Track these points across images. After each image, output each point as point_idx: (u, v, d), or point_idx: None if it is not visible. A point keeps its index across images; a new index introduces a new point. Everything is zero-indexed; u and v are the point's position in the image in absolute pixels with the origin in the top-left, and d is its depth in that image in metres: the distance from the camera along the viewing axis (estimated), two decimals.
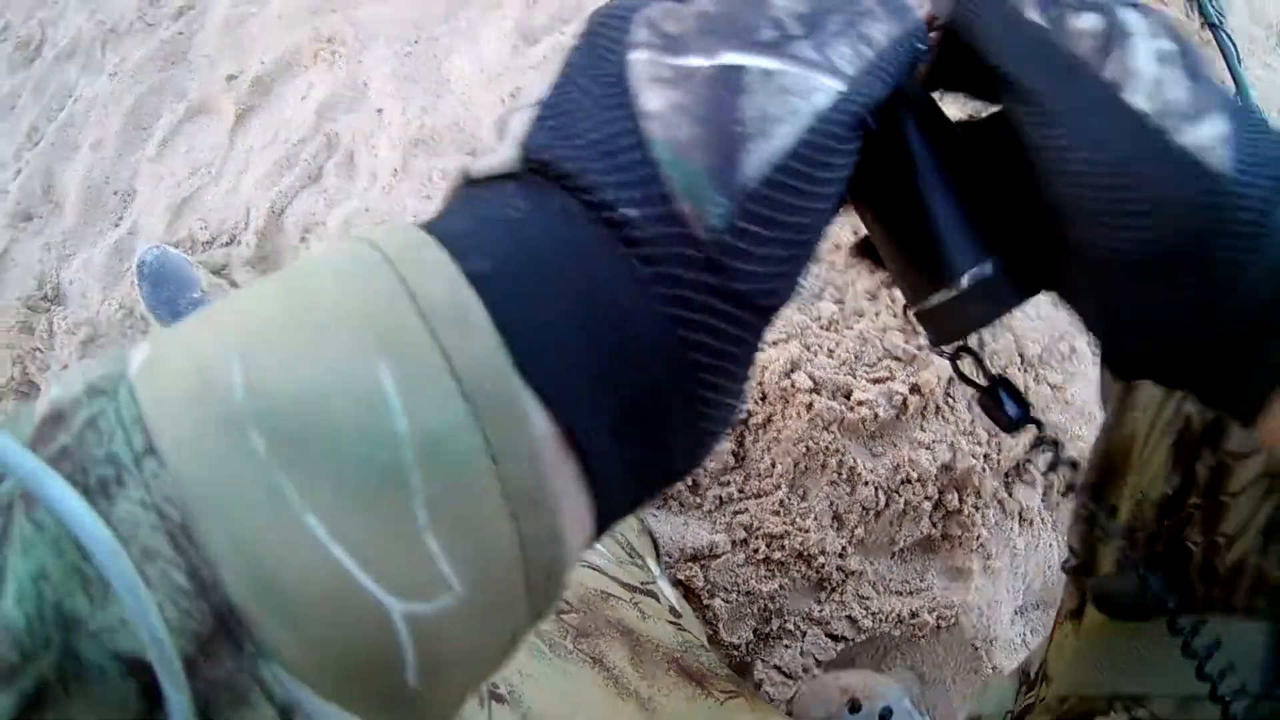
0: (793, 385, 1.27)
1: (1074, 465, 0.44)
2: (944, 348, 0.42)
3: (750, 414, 1.30)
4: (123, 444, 0.21)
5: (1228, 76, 1.87)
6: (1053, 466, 0.44)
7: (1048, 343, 1.37)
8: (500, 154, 0.28)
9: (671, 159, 0.27)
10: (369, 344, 0.23)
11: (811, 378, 1.28)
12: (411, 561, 0.22)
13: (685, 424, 0.28)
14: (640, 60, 0.29)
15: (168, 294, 1.57)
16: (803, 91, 0.28)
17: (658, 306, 0.27)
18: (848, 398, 1.29)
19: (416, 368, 0.23)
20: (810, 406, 1.27)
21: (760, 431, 1.31)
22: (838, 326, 1.37)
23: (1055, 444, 0.44)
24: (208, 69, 2.04)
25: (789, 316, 1.36)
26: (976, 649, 1.27)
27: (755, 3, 0.31)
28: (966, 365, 0.44)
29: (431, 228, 0.26)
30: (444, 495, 0.23)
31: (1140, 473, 0.57)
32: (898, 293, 0.72)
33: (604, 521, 0.28)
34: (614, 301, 0.26)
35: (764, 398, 1.31)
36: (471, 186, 0.29)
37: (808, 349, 1.33)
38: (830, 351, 1.33)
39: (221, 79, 1.98)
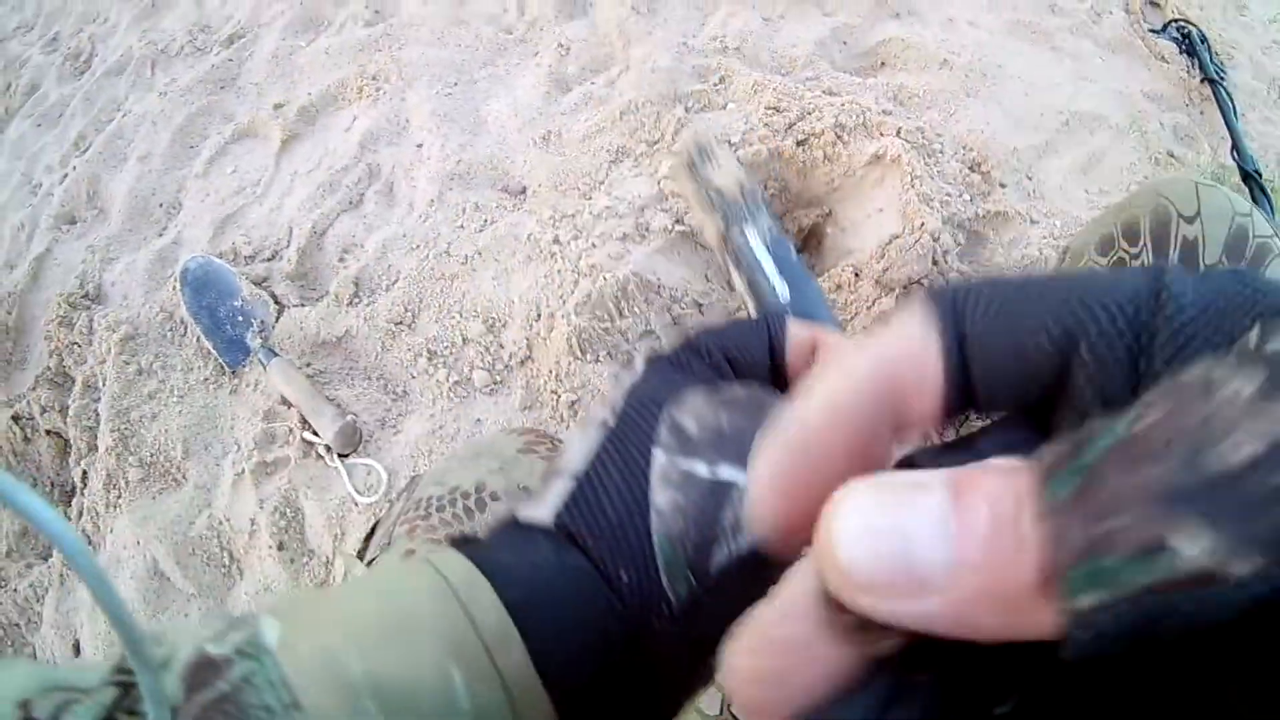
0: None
1: None
2: None
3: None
4: (274, 698, 0.34)
5: (1224, 130, 1.95)
6: None
7: None
8: (540, 511, 0.43)
9: (664, 544, 0.41)
10: (445, 651, 0.39)
11: None
12: None
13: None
14: (661, 461, 0.42)
15: (209, 301, 1.67)
16: None
17: (636, 642, 0.41)
18: None
19: (476, 671, 0.38)
20: None
21: None
22: None
23: None
24: (255, 95, 2.18)
25: None
26: None
27: (757, 424, 0.42)
28: None
29: (482, 560, 0.42)
30: None
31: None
32: None
33: None
34: (605, 634, 0.41)
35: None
36: (516, 528, 0.44)
37: None
38: None
39: (269, 106, 2.10)
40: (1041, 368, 0.20)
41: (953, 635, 0.17)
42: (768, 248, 0.52)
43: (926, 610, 0.17)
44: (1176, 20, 2.28)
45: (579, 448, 0.45)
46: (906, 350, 0.22)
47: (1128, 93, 2.00)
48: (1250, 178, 1.76)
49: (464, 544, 0.43)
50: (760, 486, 0.21)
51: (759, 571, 0.37)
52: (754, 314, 0.47)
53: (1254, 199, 1.73)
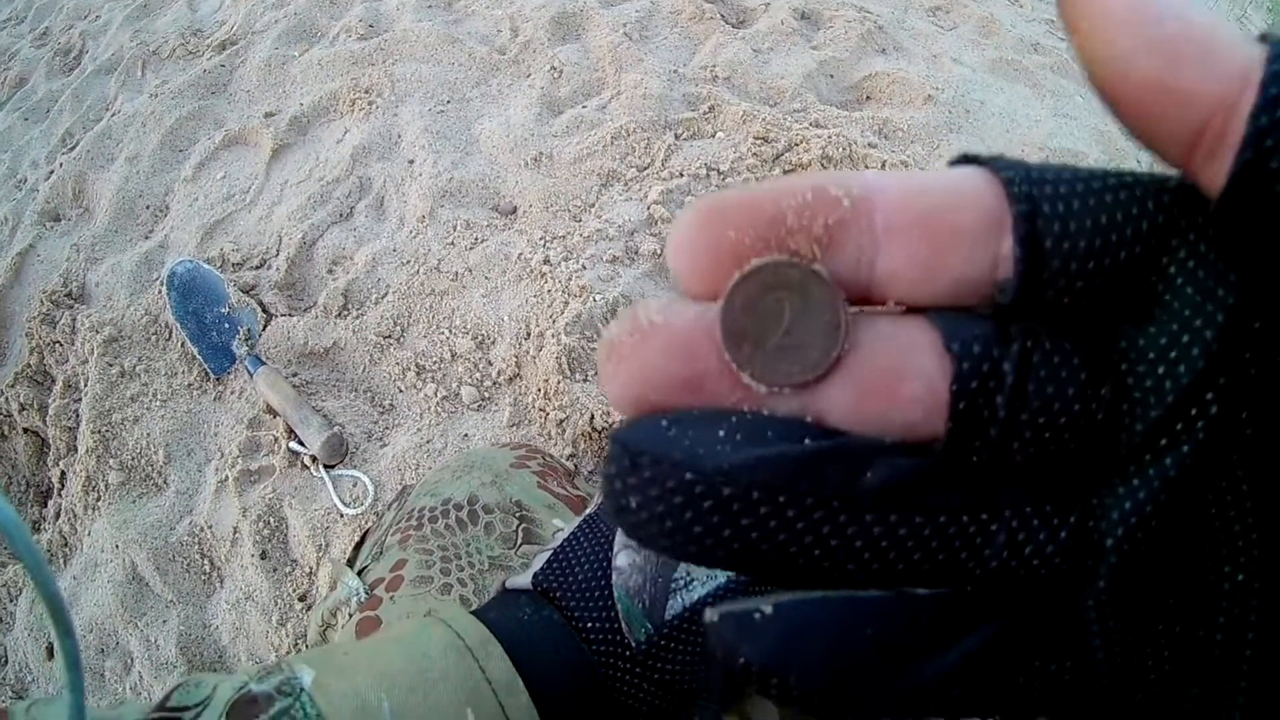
0: None
1: None
2: None
3: None
4: None
5: None
6: None
7: None
8: (523, 578, 0.53)
9: (623, 597, 0.49)
10: (462, 699, 0.46)
11: None
12: None
13: None
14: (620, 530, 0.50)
15: (195, 306, 1.68)
16: None
17: (601, 678, 0.50)
18: None
19: (487, 713, 0.46)
20: None
21: None
22: None
23: None
24: (247, 103, 2.19)
25: None
26: None
27: None
28: None
29: (489, 621, 0.51)
30: None
31: None
32: None
33: None
34: (578, 675, 0.50)
35: None
36: (506, 593, 0.54)
37: None
38: None
39: (260, 114, 2.12)
40: (1131, 258, 0.20)
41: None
42: None
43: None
44: None
45: (562, 533, 0.54)
46: (967, 198, 0.21)
47: (1107, 131, 2.05)
48: None
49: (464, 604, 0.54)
50: (701, 212, 0.20)
51: None
52: None
53: None
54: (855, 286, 0.20)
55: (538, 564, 0.52)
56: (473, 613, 0.51)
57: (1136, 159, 2.01)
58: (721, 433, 0.19)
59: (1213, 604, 0.19)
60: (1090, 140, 2.01)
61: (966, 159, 0.22)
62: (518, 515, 0.79)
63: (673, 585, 0.47)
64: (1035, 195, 0.20)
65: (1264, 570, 0.18)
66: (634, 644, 0.48)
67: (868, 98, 2.05)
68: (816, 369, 0.20)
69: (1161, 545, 0.19)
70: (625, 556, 0.48)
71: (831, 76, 2.05)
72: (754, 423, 0.19)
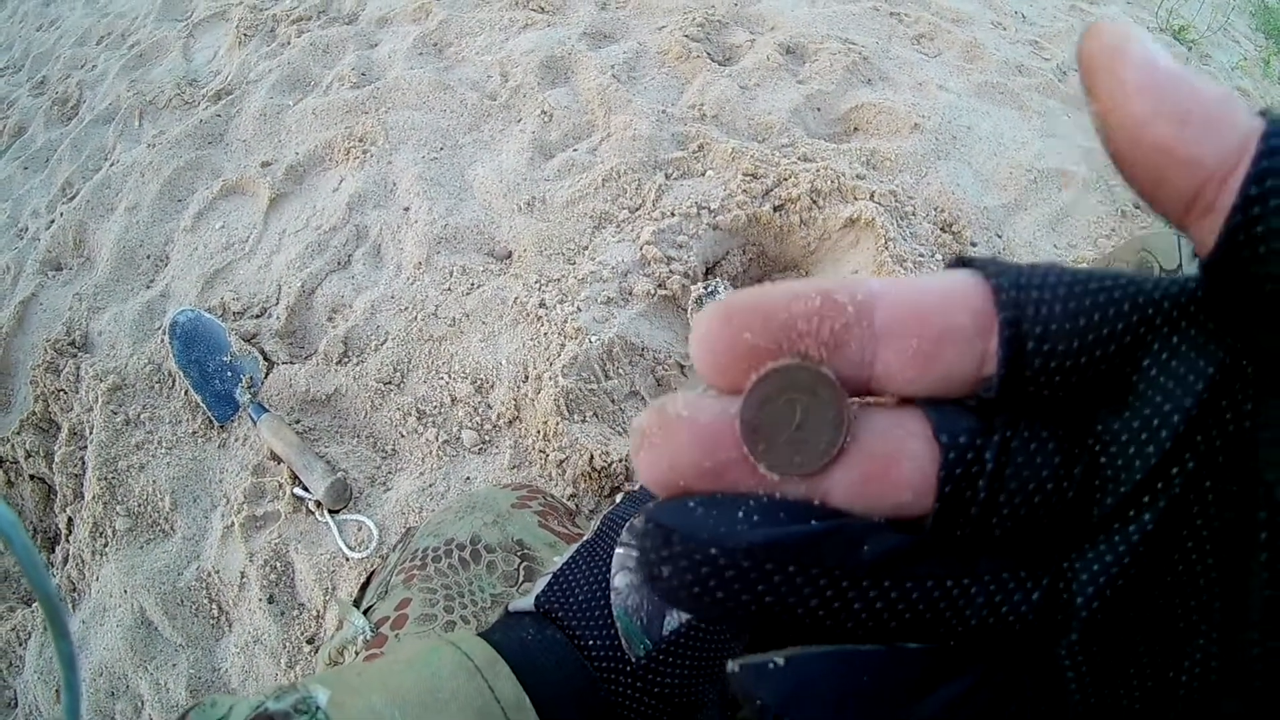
0: None
1: None
2: None
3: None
4: None
5: None
6: None
7: None
8: (525, 600, 0.56)
9: (621, 615, 0.52)
10: (471, 717, 0.49)
11: None
12: None
13: None
14: (620, 553, 0.52)
15: (198, 355, 1.74)
16: None
17: (603, 693, 0.53)
18: None
19: None
20: None
21: None
22: None
23: None
24: (243, 152, 2.25)
25: None
26: None
27: None
28: None
29: (494, 642, 0.54)
30: None
31: None
32: None
33: None
34: (582, 691, 0.53)
35: None
36: (509, 615, 0.57)
37: None
38: None
39: (257, 164, 2.18)
40: (1105, 356, 0.22)
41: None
42: None
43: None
44: None
45: (562, 557, 0.58)
46: (957, 302, 0.23)
47: (1093, 148, 2.10)
48: None
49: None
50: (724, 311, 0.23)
51: (703, 633, 0.49)
52: None
53: None
54: (857, 382, 0.23)
55: (539, 586, 0.56)
56: (479, 635, 0.54)
57: None
58: (740, 514, 0.23)
59: (1180, 648, 0.22)
60: (1078, 159, 2.06)
61: (961, 262, 0.24)
62: (519, 554, 0.82)
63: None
64: (1021, 300, 0.23)
65: (1227, 616, 0.21)
66: (634, 660, 0.51)
67: (855, 129, 2.10)
68: (822, 459, 0.23)
69: (1128, 601, 0.22)
70: (623, 578, 0.51)
71: (818, 109, 2.10)
72: (768, 505, 0.23)
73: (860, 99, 2.12)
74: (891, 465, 0.23)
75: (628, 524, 0.54)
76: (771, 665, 0.23)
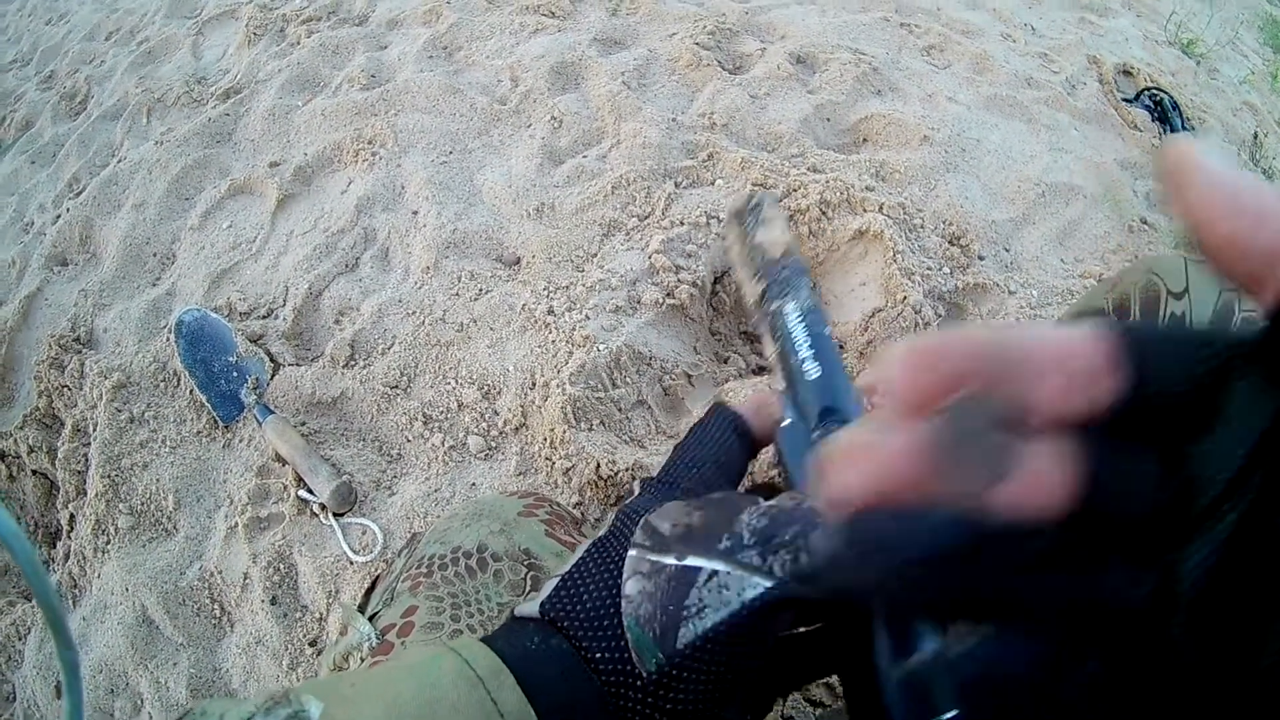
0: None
1: None
2: None
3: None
4: None
5: None
6: None
7: None
8: (531, 605, 0.54)
9: (632, 626, 0.50)
10: None
11: None
12: None
13: None
14: (632, 556, 0.51)
15: (203, 354, 1.75)
16: (737, 588, 0.45)
17: (612, 709, 0.51)
18: None
19: None
20: None
21: None
22: None
23: None
24: (251, 152, 2.27)
25: None
26: None
27: (728, 519, 0.48)
28: None
29: (498, 650, 0.52)
30: None
31: None
32: None
33: None
34: (588, 705, 0.50)
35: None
36: (515, 621, 0.55)
37: None
38: None
39: (265, 164, 2.19)
40: (1197, 389, 0.27)
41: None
42: (803, 321, 0.60)
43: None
44: (1149, 89, 2.42)
45: (572, 557, 0.55)
46: (1092, 347, 0.29)
47: (1102, 162, 2.12)
48: None
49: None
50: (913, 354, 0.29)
51: (721, 646, 0.47)
52: (781, 385, 0.57)
53: None
54: (1019, 412, 0.28)
55: (546, 591, 0.53)
56: (482, 640, 0.53)
57: (1132, 189, 2.07)
58: (926, 523, 0.28)
59: (1268, 623, 0.26)
60: (1085, 173, 2.08)
61: (1081, 315, 0.32)
62: (526, 563, 0.82)
63: (684, 613, 0.47)
64: (1141, 348, 0.28)
65: None
66: (645, 674, 0.48)
67: (864, 140, 2.11)
68: (993, 479, 0.28)
69: (1225, 586, 0.26)
70: (634, 584, 0.49)
71: (828, 120, 2.12)
72: (948, 516, 0.28)
73: (870, 110, 2.13)
74: (1044, 479, 0.28)
75: (641, 522, 0.52)
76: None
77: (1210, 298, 0.81)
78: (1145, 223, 2.00)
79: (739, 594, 0.44)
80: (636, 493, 0.58)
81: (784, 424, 0.57)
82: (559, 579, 0.53)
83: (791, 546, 0.44)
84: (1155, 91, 2.40)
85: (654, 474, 0.60)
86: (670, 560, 0.47)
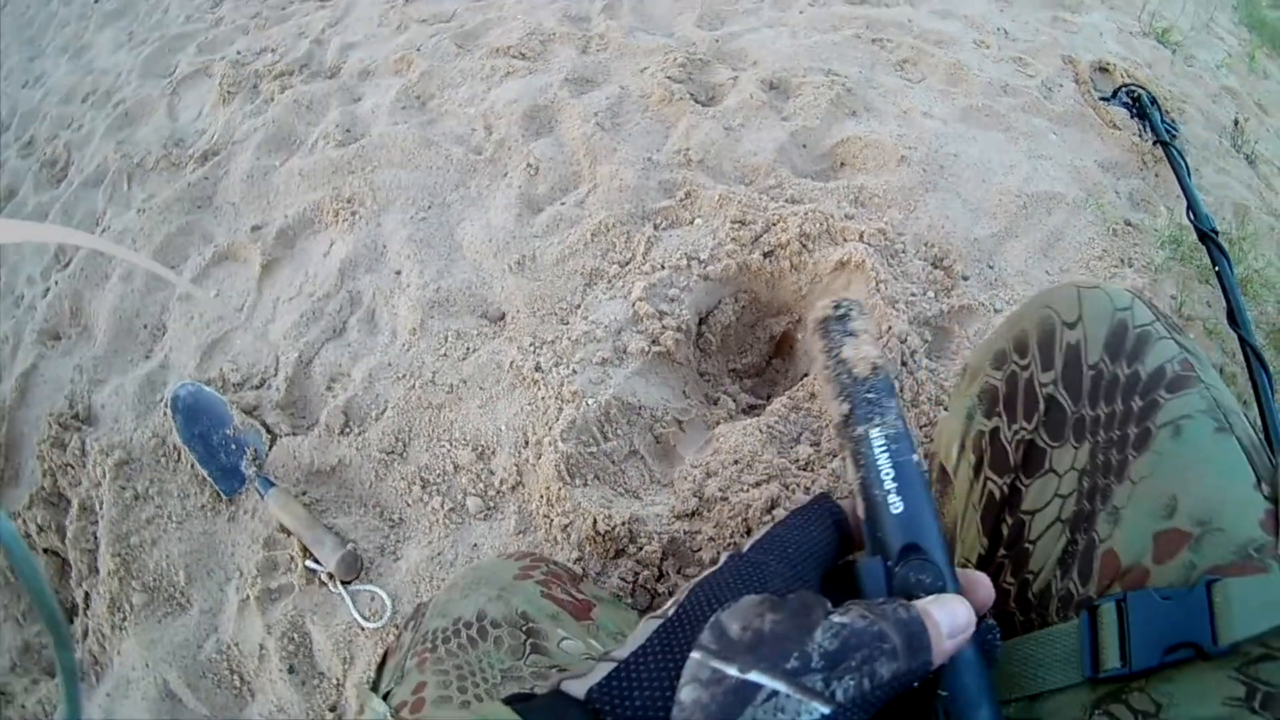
0: (773, 520, 1.44)
1: None
2: None
3: (736, 547, 1.48)
4: None
5: (1179, 190, 2.06)
6: None
7: None
8: (580, 686, 0.52)
9: None
10: None
11: None
12: None
13: None
14: (695, 659, 0.48)
15: (201, 429, 1.80)
16: (793, 712, 0.44)
17: None
18: None
19: None
20: None
21: None
22: (813, 467, 1.55)
23: None
24: (233, 216, 2.32)
25: (770, 460, 1.54)
26: None
27: (800, 635, 0.47)
28: None
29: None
30: None
31: (961, 542, 0.86)
32: None
33: None
34: None
35: (748, 533, 1.46)
36: (558, 695, 0.53)
37: (786, 487, 1.50)
38: (807, 489, 1.50)
39: (247, 228, 2.25)
40: None
41: None
42: (888, 450, 0.60)
43: None
44: (1126, 85, 2.47)
45: (636, 636, 0.53)
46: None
47: (1082, 165, 2.17)
48: (1207, 237, 1.88)
49: (516, 700, 0.53)
50: None
51: None
52: (861, 514, 0.58)
53: (1211, 258, 1.86)
54: None
55: (597, 675, 0.50)
56: (520, 709, 0.51)
57: (1114, 190, 2.11)
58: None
59: None
60: (1067, 179, 2.13)
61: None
62: (523, 628, 0.85)
63: None
64: None
65: None
66: None
67: (842, 164, 2.16)
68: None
69: None
70: (691, 691, 0.46)
71: (804, 146, 2.17)
72: None
73: (846, 132, 2.18)
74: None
75: (713, 620, 0.50)
76: None
77: (1103, 322, 0.81)
78: (1129, 224, 2.04)
79: (795, 717, 0.44)
80: (721, 563, 0.57)
81: (861, 563, 0.56)
82: (615, 665, 0.50)
83: (857, 672, 0.45)
84: (1133, 87, 2.44)
85: (743, 548, 0.58)
86: (733, 671, 0.46)
